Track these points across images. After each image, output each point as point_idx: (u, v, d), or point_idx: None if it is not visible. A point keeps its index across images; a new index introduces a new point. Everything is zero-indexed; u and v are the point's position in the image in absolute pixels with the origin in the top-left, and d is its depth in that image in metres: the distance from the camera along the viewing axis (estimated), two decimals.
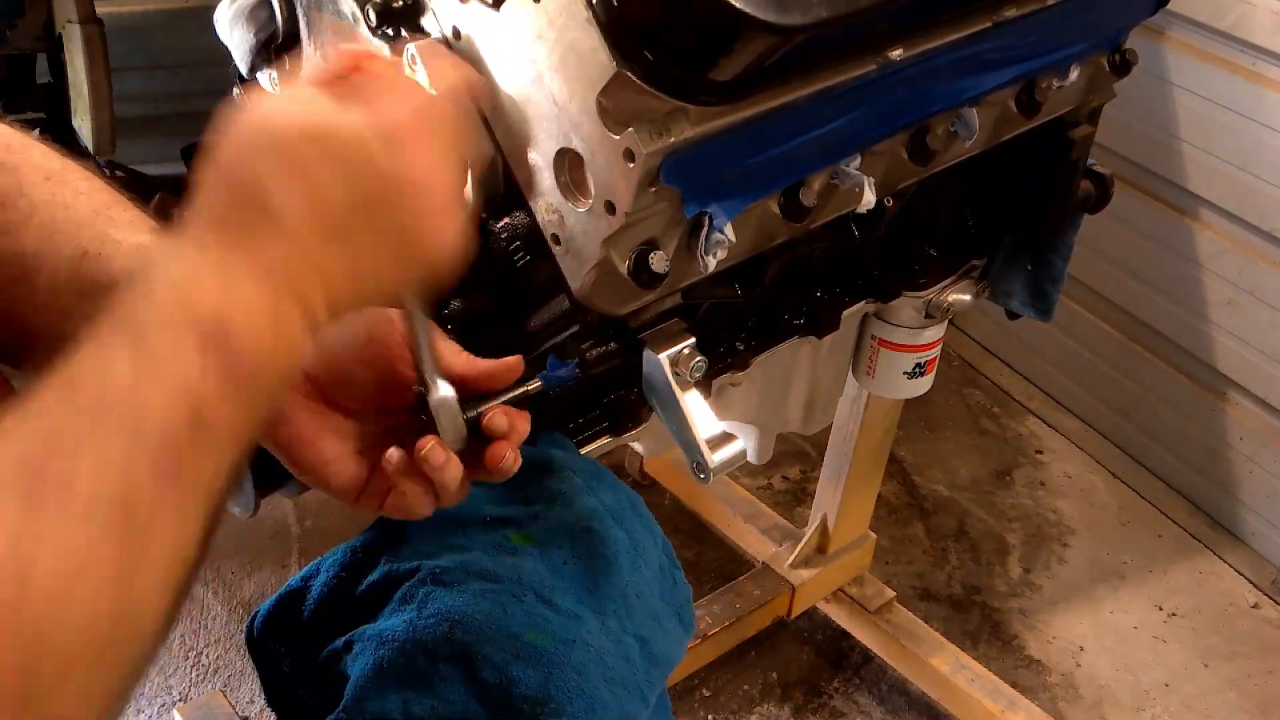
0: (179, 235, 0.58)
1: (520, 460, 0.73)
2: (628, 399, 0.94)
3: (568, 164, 0.80)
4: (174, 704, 1.68)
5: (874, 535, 1.83)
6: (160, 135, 1.98)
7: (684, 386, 0.88)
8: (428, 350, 0.72)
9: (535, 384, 0.81)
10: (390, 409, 0.74)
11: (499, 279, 0.89)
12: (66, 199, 0.72)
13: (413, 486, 0.71)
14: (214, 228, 0.57)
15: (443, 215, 0.63)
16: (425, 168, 0.61)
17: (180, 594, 0.52)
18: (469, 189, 0.84)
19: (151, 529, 0.49)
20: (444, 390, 0.72)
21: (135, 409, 0.50)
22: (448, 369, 0.72)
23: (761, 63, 0.73)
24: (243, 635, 0.89)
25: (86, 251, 0.71)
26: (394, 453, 0.70)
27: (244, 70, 1.01)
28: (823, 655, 1.89)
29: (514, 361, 0.74)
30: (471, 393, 0.74)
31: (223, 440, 0.53)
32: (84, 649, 0.46)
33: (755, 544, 1.90)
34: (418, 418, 0.72)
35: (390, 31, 0.85)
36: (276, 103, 0.61)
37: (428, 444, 0.70)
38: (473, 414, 0.74)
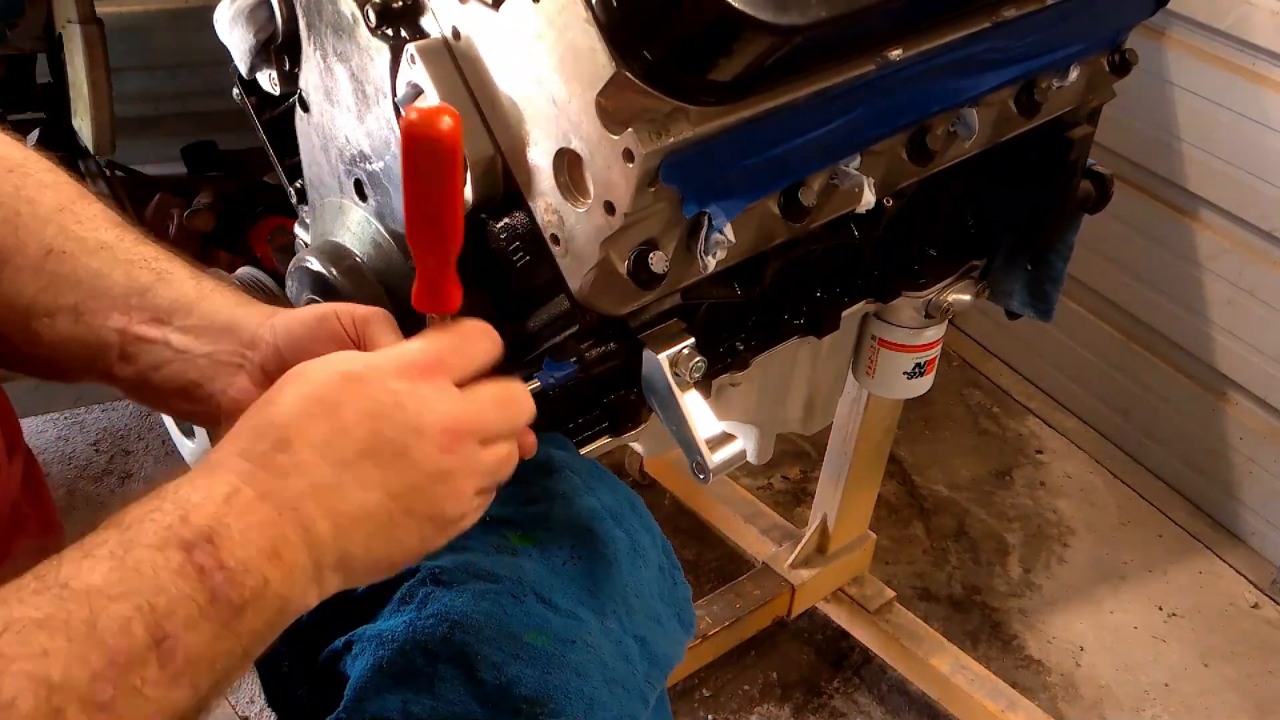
0: (206, 460, 0.58)
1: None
2: (627, 399, 0.94)
3: (567, 164, 0.80)
4: None
5: (874, 535, 1.83)
6: (160, 135, 1.98)
7: (683, 387, 0.88)
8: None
9: (535, 384, 0.81)
10: None
11: (498, 279, 0.89)
12: (30, 193, 0.72)
13: None
14: (235, 454, 0.57)
15: (465, 480, 0.63)
16: (453, 431, 0.62)
17: None
18: (468, 191, 0.84)
19: None
20: None
21: (90, 621, 0.48)
22: None
23: (761, 63, 0.73)
24: None
25: (51, 249, 0.71)
26: None
27: (244, 70, 1.01)
28: (823, 655, 1.89)
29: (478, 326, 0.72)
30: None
31: (184, 671, 0.50)
32: None
33: (755, 544, 1.90)
34: None
35: (389, 32, 0.85)
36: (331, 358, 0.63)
37: None
38: None
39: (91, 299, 0.71)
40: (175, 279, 0.74)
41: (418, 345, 0.66)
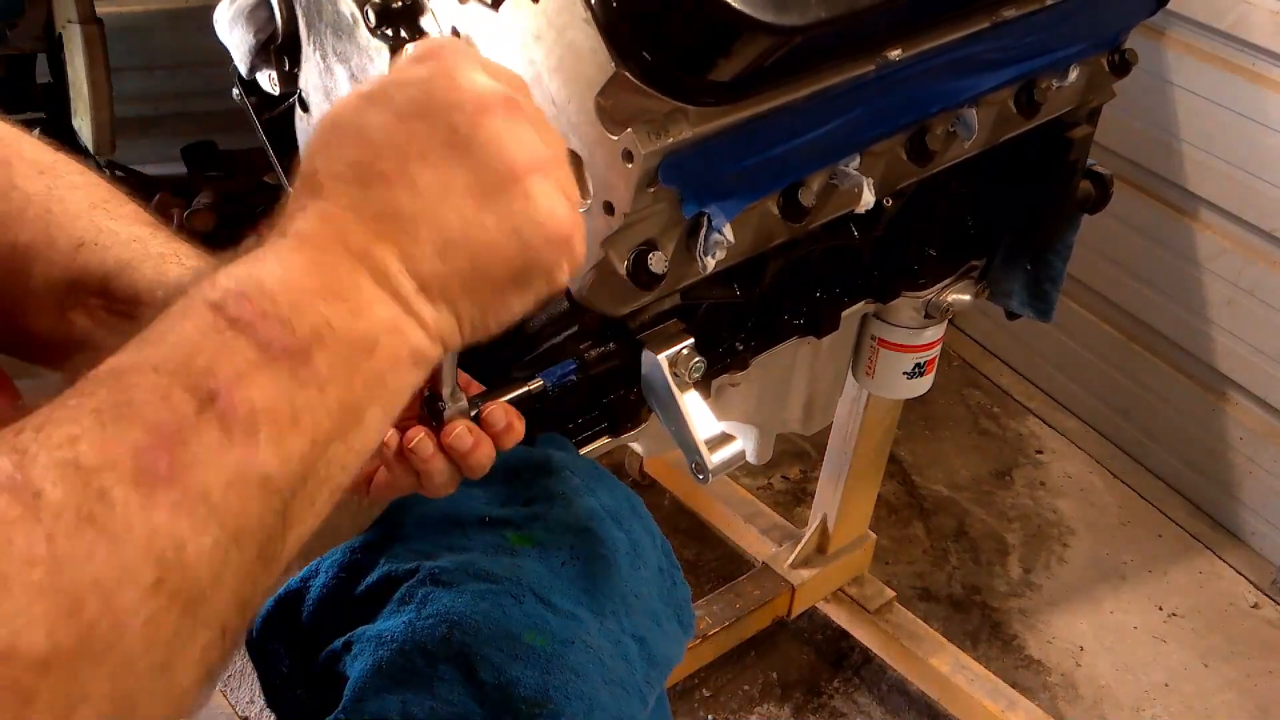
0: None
1: (492, 460, 0.74)
2: (627, 399, 0.94)
3: None
4: None
5: (874, 535, 1.83)
6: (160, 135, 1.98)
7: (683, 387, 0.88)
8: (452, 361, 0.72)
9: (536, 383, 0.81)
10: None
11: None
12: (62, 193, 0.73)
13: (398, 470, 0.72)
14: (269, 225, 0.51)
15: (555, 175, 0.54)
16: (499, 96, 0.52)
17: (192, 630, 0.42)
18: None
19: (123, 536, 0.40)
20: (462, 403, 0.73)
21: (122, 398, 0.42)
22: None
23: (760, 63, 0.73)
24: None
25: (83, 242, 0.71)
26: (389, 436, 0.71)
27: (243, 70, 1.01)
28: (823, 655, 1.89)
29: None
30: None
31: (257, 424, 0.44)
32: (13, 680, 0.38)
33: (755, 544, 1.90)
34: (423, 412, 0.73)
35: (389, 32, 0.85)
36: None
37: (417, 435, 0.71)
38: (474, 412, 0.75)
39: (123, 290, 0.72)
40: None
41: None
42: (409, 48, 0.58)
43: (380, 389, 0.50)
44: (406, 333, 0.51)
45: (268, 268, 0.48)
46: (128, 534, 0.40)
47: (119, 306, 0.72)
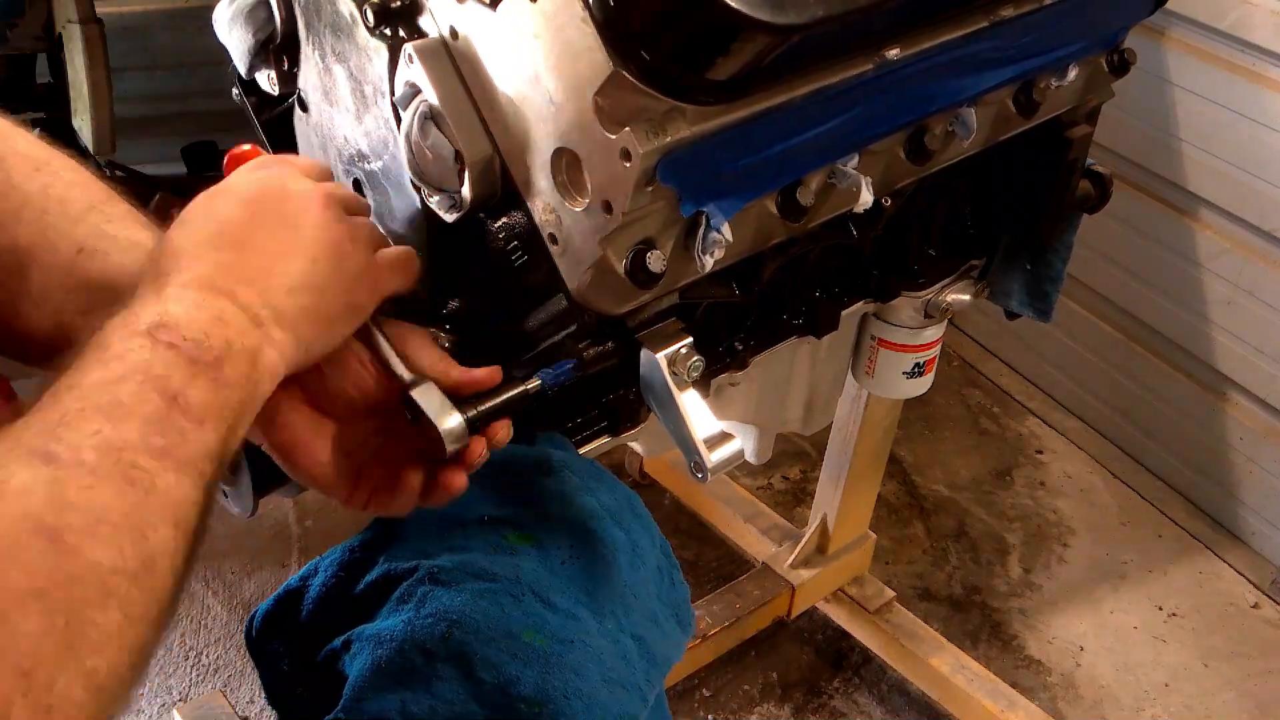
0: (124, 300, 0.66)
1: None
2: (626, 399, 0.94)
3: (565, 164, 0.80)
4: (174, 704, 1.69)
5: (874, 535, 1.84)
6: (160, 135, 1.99)
7: (681, 386, 0.88)
8: (386, 348, 0.76)
9: (534, 383, 0.81)
10: (375, 412, 0.76)
11: (497, 278, 0.89)
12: (59, 192, 0.73)
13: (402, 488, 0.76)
14: (145, 279, 0.66)
15: (349, 227, 0.72)
16: (320, 193, 0.72)
17: (187, 557, 0.57)
18: (466, 189, 0.84)
19: (154, 491, 0.55)
20: (422, 382, 0.74)
21: (114, 400, 0.57)
22: (420, 369, 0.76)
23: (758, 62, 0.73)
24: (242, 635, 0.89)
25: (83, 247, 0.72)
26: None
27: (243, 71, 1.01)
28: (823, 655, 1.89)
29: (492, 372, 0.79)
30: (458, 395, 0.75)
31: (204, 416, 0.60)
32: (115, 583, 0.52)
33: (755, 544, 1.90)
34: (404, 415, 0.74)
35: (388, 31, 0.85)
36: None
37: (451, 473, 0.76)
38: (472, 414, 0.75)
39: (126, 297, 0.71)
40: None
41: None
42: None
43: (256, 391, 0.65)
44: (270, 350, 0.66)
45: (169, 307, 0.62)
46: (155, 489, 0.56)
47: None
